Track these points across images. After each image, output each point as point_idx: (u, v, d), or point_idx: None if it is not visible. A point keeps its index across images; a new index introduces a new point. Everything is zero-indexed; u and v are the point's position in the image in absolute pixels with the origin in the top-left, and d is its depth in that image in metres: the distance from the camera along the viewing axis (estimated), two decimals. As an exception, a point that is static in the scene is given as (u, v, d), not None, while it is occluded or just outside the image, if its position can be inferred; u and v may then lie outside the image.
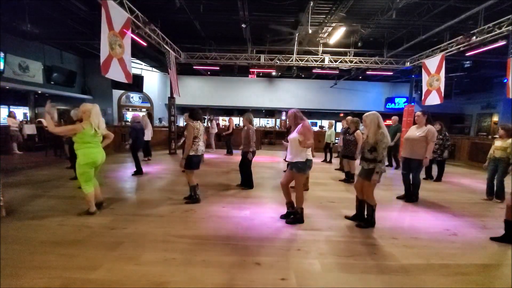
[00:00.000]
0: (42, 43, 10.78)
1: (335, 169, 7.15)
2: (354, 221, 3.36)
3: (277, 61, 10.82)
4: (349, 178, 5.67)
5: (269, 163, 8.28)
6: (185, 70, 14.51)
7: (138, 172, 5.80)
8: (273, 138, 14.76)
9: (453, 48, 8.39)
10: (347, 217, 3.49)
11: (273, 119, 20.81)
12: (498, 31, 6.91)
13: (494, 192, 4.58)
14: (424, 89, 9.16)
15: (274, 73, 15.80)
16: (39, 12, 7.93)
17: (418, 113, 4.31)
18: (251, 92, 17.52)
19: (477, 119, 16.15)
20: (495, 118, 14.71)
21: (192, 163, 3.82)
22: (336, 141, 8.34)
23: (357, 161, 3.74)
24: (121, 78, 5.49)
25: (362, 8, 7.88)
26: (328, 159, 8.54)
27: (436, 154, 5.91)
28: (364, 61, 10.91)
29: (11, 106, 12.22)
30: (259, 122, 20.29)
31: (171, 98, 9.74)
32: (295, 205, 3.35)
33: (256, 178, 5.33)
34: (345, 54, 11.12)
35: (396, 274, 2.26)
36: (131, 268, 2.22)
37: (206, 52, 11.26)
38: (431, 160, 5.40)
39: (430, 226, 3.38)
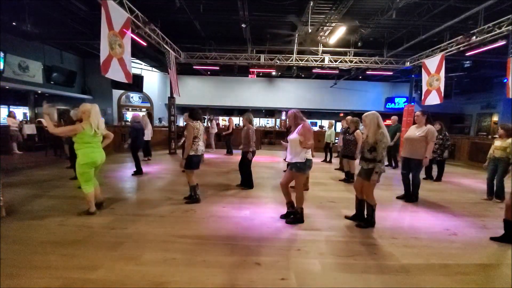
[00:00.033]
0: (42, 43, 10.78)
1: (335, 169, 7.15)
2: (354, 221, 3.37)
3: (277, 61, 10.82)
4: (349, 178, 5.67)
5: (269, 163, 8.28)
6: (185, 70, 14.51)
7: (138, 172, 5.80)
8: (273, 138, 14.75)
9: (453, 48, 8.39)
10: (347, 217, 3.49)
11: (273, 119, 20.81)
12: (498, 31, 6.91)
13: (494, 192, 4.59)
14: (424, 89, 9.16)
15: (274, 73, 15.80)
16: (39, 12, 7.92)
17: (418, 113, 4.31)
18: (251, 92, 17.51)
19: (477, 119, 16.14)
20: (495, 118, 14.70)
21: (192, 163, 3.82)
22: (336, 141, 8.34)
23: (357, 161, 3.74)
24: (121, 78, 5.48)
25: (362, 8, 7.88)
26: (328, 159, 8.55)
27: (436, 154, 5.91)
28: (364, 61, 10.90)
29: (11, 106, 12.23)
30: (259, 122, 20.29)
31: (171, 98, 9.74)
32: (295, 205, 3.35)
33: (256, 178, 5.33)
34: (345, 54, 11.11)
35: (396, 274, 2.26)
36: (131, 268, 2.22)
37: (206, 52, 11.25)
38: (431, 160, 5.41)
39: (430, 226, 3.38)
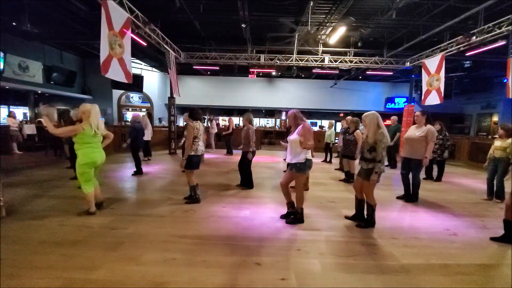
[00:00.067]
0: (42, 43, 10.77)
1: (335, 169, 7.15)
2: (354, 221, 3.37)
3: (277, 61, 10.81)
4: (349, 178, 5.68)
5: (269, 163, 8.28)
6: (185, 70, 14.50)
7: (138, 172, 5.80)
8: (273, 138, 14.75)
9: (453, 48, 8.39)
10: (347, 217, 3.50)
11: (273, 119, 20.80)
12: (498, 31, 6.91)
13: (494, 192, 4.59)
14: (424, 89, 9.16)
15: (274, 73, 15.78)
16: (39, 12, 7.91)
17: (418, 113, 4.31)
18: (251, 92, 17.51)
19: (477, 119, 16.14)
20: (495, 118, 14.70)
21: (192, 163, 3.82)
22: (336, 141, 8.34)
23: (357, 161, 3.75)
24: (121, 78, 5.48)
25: (362, 8, 7.88)
26: (328, 159, 8.55)
27: (436, 154, 5.91)
28: (364, 61, 10.90)
29: (11, 106, 12.22)
30: (259, 122, 20.28)
31: (171, 98, 9.74)
32: (295, 205, 3.35)
33: (256, 178, 5.33)
34: (345, 54, 11.11)
35: (396, 274, 2.26)
36: (131, 268, 2.22)
37: (206, 52, 11.25)
38: (431, 160, 5.41)
39: (430, 226, 3.38)
